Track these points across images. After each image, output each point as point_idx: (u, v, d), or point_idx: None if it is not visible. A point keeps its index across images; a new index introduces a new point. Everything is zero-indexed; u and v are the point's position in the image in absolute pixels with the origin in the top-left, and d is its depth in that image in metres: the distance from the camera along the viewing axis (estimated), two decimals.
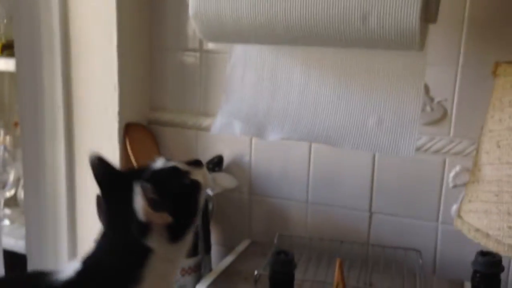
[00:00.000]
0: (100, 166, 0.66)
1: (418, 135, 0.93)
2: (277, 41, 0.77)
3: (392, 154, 0.84)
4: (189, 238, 0.67)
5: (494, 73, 0.76)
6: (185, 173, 0.66)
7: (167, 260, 0.65)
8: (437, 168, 0.97)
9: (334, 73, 0.86)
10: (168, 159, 0.68)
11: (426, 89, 0.94)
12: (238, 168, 1.13)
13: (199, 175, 0.67)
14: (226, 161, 1.13)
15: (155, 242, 0.63)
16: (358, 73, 0.85)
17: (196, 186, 0.66)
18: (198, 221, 0.69)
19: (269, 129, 0.90)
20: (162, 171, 0.65)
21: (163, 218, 0.62)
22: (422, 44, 0.72)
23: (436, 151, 0.96)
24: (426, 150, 0.96)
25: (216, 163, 1.10)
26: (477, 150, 0.79)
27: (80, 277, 0.64)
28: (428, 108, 0.95)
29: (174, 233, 0.64)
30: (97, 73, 1.08)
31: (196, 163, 0.68)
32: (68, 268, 0.65)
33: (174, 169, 0.66)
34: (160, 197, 0.61)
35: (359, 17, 0.69)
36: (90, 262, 0.65)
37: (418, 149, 0.96)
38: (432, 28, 0.77)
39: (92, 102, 1.10)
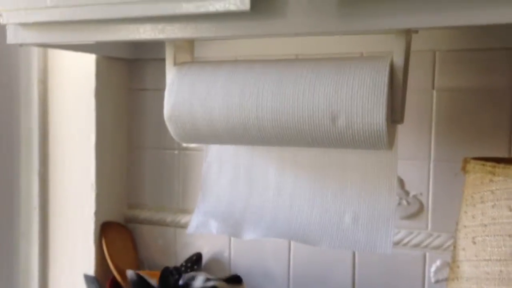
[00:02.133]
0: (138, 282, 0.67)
1: (395, 229, 0.93)
2: (251, 142, 0.79)
3: (370, 252, 0.83)
4: None
5: (464, 169, 0.77)
6: None
7: None
8: (418, 263, 0.96)
9: (308, 170, 0.87)
10: (208, 278, 0.68)
11: (402, 183, 0.95)
12: (217, 265, 1.10)
13: None
14: (205, 258, 1.11)
15: None
16: (332, 170, 0.86)
17: None
18: None
19: (246, 228, 0.90)
20: None
21: None
22: (390, 143, 0.74)
23: (415, 246, 0.95)
24: (405, 245, 0.96)
25: (195, 261, 1.07)
26: (454, 246, 0.79)
27: None
28: (404, 202, 0.95)
29: None
30: (74, 172, 1.08)
31: (236, 280, 0.68)
32: None
33: None
34: None
35: (328, 118, 0.71)
36: None
37: (397, 243, 0.95)
38: (404, 125, 0.79)
39: (68, 202, 1.09)
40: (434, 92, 0.93)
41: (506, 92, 0.89)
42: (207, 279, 0.67)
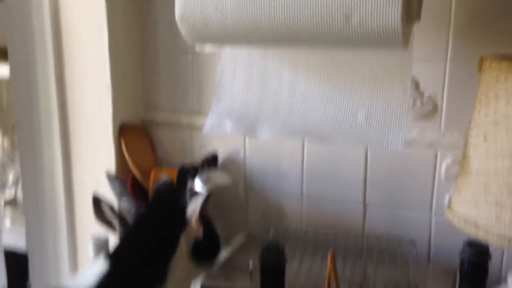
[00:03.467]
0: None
1: (409, 129, 0.94)
2: (263, 42, 0.78)
3: (382, 149, 0.84)
4: (199, 274, 0.78)
5: (480, 68, 0.77)
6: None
7: (182, 269, 0.72)
8: (429, 161, 0.98)
9: (321, 71, 0.87)
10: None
11: (416, 84, 0.95)
12: (233, 164, 1.14)
13: None
14: (221, 158, 1.14)
15: (180, 246, 0.71)
16: (346, 69, 0.85)
17: (216, 234, 0.79)
18: (212, 266, 0.80)
19: (260, 128, 0.91)
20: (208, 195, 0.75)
21: (198, 230, 0.71)
22: (405, 42, 0.72)
23: (428, 145, 0.97)
24: (418, 144, 0.97)
25: (211, 161, 1.11)
26: (465, 143, 0.80)
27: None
28: (418, 103, 0.95)
29: (195, 252, 0.73)
30: (90, 75, 1.09)
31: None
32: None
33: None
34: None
35: (341, 17, 0.69)
36: (118, 259, 0.70)
37: (410, 143, 0.97)
38: (420, 24, 0.77)
39: (86, 103, 1.11)
40: None
41: None
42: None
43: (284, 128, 0.90)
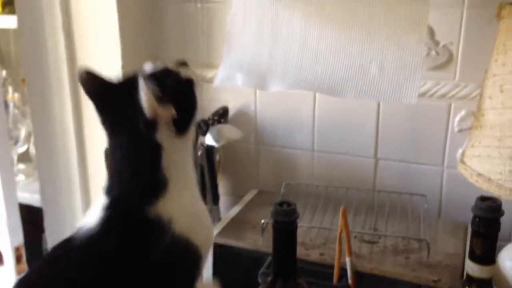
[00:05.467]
0: (90, 81, 0.66)
1: (422, 80, 0.92)
2: None
3: (395, 102, 0.83)
4: (192, 132, 0.70)
5: (498, 16, 0.74)
6: (177, 72, 0.68)
7: (177, 155, 0.67)
8: (443, 113, 0.96)
9: (334, 21, 0.85)
10: (154, 64, 0.69)
11: (432, 32, 0.92)
12: (243, 118, 1.13)
13: (188, 72, 0.69)
14: (231, 111, 1.13)
15: (164, 137, 0.64)
16: (359, 20, 0.83)
17: (190, 82, 0.69)
18: (198, 114, 0.70)
19: (271, 80, 0.90)
20: (156, 73, 0.66)
21: (168, 111, 0.63)
22: None
23: (442, 96, 0.95)
24: (431, 95, 0.95)
25: (221, 115, 1.10)
26: (481, 94, 0.79)
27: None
28: (433, 53, 0.93)
29: (180, 127, 0.66)
30: (98, 27, 1.07)
31: (183, 63, 0.70)
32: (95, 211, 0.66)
33: (166, 70, 0.68)
34: (161, 93, 0.63)
35: None
36: (112, 189, 0.66)
37: (423, 94, 0.95)
38: None
39: (95, 56, 1.09)
40: None
41: None
42: (155, 64, 0.68)
43: (295, 80, 0.89)
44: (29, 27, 1.08)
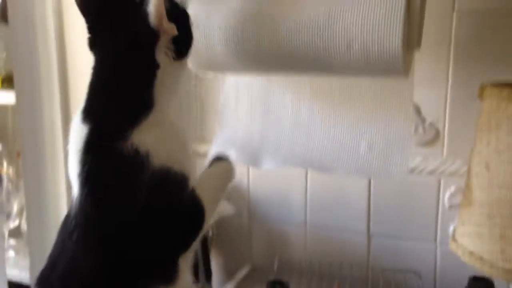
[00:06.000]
0: None
1: (411, 157, 0.94)
2: (266, 70, 0.78)
3: (385, 178, 0.84)
4: (186, 64, 0.70)
5: (480, 96, 0.77)
6: (177, 2, 0.69)
7: (170, 80, 0.66)
8: (433, 189, 0.97)
9: (324, 99, 0.87)
10: None
11: (418, 110, 0.95)
12: (237, 193, 1.13)
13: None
14: None
15: (161, 56, 0.64)
16: (348, 98, 0.86)
17: (187, 13, 0.70)
18: (193, 43, 0.70)
19: (264, 158, 0.91)
20: None
21: (171, 29, 0.63)
22: (407, 70, 0.73)
23: (431, 172, 0.96)
24: (420, 172, 0.97)
25: None
26: (468, 172, 0.80)
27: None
28: (420, 130, 0.95)
29: (177, 49, 0.65)
30: None
31: None
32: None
33: None
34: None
35: (343, 45, 0.69)
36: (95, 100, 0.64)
37: (412, 170, 0.96)
38: (421, 50, 0.78)
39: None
40: (455, 14, 0.90)
41: None
42: None
43: (287, 157, 0.90)
44: (27, 102, 1.10)
